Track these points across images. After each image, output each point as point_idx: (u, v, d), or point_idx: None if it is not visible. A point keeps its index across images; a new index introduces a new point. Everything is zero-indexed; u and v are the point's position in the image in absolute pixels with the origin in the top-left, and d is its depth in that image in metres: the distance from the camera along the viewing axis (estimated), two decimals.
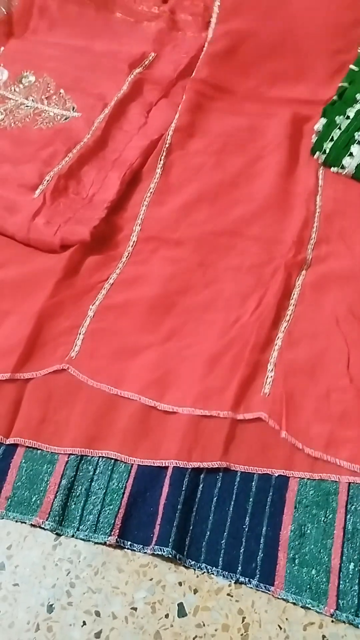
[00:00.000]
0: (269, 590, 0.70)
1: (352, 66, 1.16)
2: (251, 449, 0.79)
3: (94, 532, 0.75)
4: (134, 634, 0.68)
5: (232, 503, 0.76)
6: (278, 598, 0.70)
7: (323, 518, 0.74)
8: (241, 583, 0.71)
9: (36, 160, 1.07)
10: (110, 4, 1.32)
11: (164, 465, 0.78)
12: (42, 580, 0.72)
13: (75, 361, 0.86)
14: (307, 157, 1.12)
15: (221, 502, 0.76)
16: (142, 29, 1.29)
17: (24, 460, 0.80)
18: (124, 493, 0.77)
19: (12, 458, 0.80)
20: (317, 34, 1.19)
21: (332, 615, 0.68)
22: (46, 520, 0.75)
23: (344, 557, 0.72)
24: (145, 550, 0.73)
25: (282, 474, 0.77)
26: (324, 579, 0.70)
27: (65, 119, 1.15)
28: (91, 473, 0.79)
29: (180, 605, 0.70)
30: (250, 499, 0.76)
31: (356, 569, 0.71)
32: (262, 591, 0.71)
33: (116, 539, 0.73)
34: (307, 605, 0.69)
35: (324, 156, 1.09)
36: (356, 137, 1.08)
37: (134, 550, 0.74)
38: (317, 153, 1.10)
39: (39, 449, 0.80)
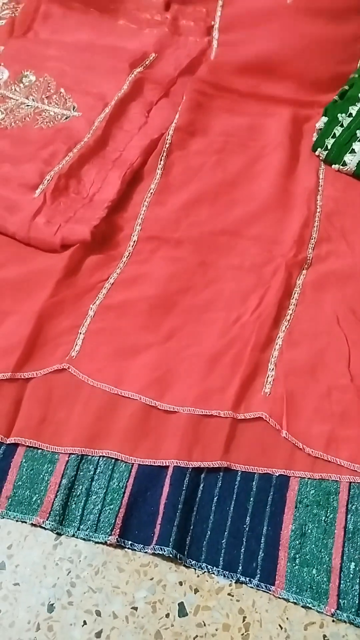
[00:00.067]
0: (270, 590, 0.70)
1: (353, 74, 1.17)
2: (252, 449, 0.79)
3: (95, 532, 0.75)
4: (134, 634, 0.68)
5: (233, 503, 0.76)
6: (279, 598, 0.70)
7: (324, 517, 0.74)
8: (242, 583, 0.71)
9: (36, 159, 1.07)
10: (114, 11, 1.32)
11: (164, 464, 0.78)
12: (42, 579, 0.72)
13: (75, 361, 0.86)
14: (308, 156, 1.12)
15: (222, 502, 0.76)
16: (145, 34, 1.30)
17: (24, 460, 0.80)
18: (124, 492, 0.77)
19: (12, 457, 0.80)
20: (318, 46, 1.20)
21: (332, 615, 0.68)
22: (47, 519, 0.75)
23: (344, 557, 0.72)
24: (145, 550, 0.73)
25: (283, 473, 0.77)
26: (325, 579, 0.70)
27: (66, 118, 1.15)
28: (92, 472, 0.79)
29: (181, 604, 0.70)
30: (251, 499, 0.76)
31: (357, 569, 0.71)
32: (262, 591, 0.71)
33: (117, 539, 0.73)
34: (307, 604, 0.69)
35: (325, 153, 1.09)
36: (358, 134, 1.08)
37: (135, 550, 0.74)
38: (319, 150, 1.10)
39: (40, 449, 0.80)
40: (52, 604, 0.70)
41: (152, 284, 0.94)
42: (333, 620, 0.69)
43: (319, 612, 0.69)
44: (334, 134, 1.09)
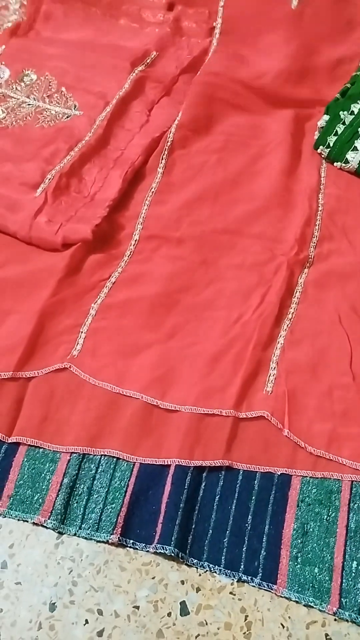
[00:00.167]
0: (272, 589, 0.70)
1: (355, 72, 1.17)
2: (253, 447, 0.79)
3: (96, 531, 0.75)
4: (136, 633, 0.68)
5: (235, 501, 0.76)
6: (281, 596, 0.70)
7: (326, 516, 0.74)
8: (244, 581, 0.71)
9: (38, 158, 1.07)
10: (116, 11, 1.32)
11: (166, 463, 0.78)
12: (44, 578, 0.72)
13: (77, 360, 0.86)
14: (310, 154, 1.12)
15: (223, 501, 0.76)
16: (146, 33, 1.30)
17: (26, 459, 0.80)
18: (126, 491, 0.77)
19: (14, 456, 0.80)
20: (321, 44, 1.22)
21: (334, 614, 0.68)
22: (48, 518, 0.75)
23: (346, 556, 0.71)
24: (147, 549, 0.73)
25: (285, 472, 0.77)
26: (327, 578, 0.70)
27: (67, 117, 1.15)
28: (93, 471, 0.79)
29: (183, 603, 0.70)
30: (253, 498, 0.76)
31: (359, 567, 0.71)
32: (264, 589, 0.70)
33: (118, 538, 0.73)
34: (309, 603, 0.69)
35: (327, 151, 1.09)
36: None
37: (136, 549, 0.74)
38: (321, 148, 1.10)
39: (41, 448, 0.80)
40: (54, 603, 0.70)
41: (154, 283, 0.94)
42: (335, 619, 0.68)
43: (321, 611, 0.69)
44: (336, 131, 1.09)
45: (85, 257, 0.97)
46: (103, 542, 0.74)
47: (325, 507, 0.75)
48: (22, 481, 0.78)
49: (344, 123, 1.10)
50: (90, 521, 0.75)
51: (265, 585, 0.70)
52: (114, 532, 0.74)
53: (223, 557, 0.72)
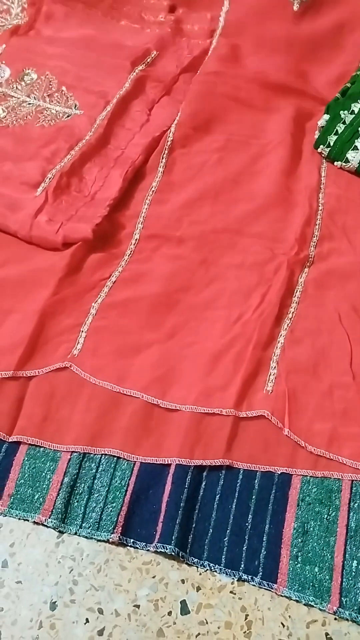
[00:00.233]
0: (272, 588, 0.70)
1: (356, 72, 1.17)
2: (254, 447, 0.79)
3: (97, 530, 0.75)
4: (136, 632, 0.68)
5: (235, 501, 0.76)
6: (281, 595, 0.70)
7: (326, 516, 0.74)
8: (244, 580, 0.71)
9: (38, 157, 1.07)
10: (117, 13, 1.32)
11: (166, 462, 0.78)
12: (44, 577, 0.72)
13: (77, 359, 0.86)
14: (310, 154, 1.12)
15: (224, 500, 0.76)
16: (147, 33, 1.30)
17: (26, 458, 0.80)
18: (126, 491, 0.77)
19: (14, 456, 0.80)
20: (321, 48, 1.22)
21: (335, 613, 0.68)
22: (49, 518, 0.75)
23: (346, 555, 0.72)
24: (148, 548, 0.73)
25: (285, 471, 0.77)
26: (327, 577, 0.70)
27: (68, 116, 1.15)
28: (94, 471, 0.79)
29: (183, 602, 0.70)
30: (253, 497, 0.76)
31: (359, 567, 0.71)
32: (265, 589, 0.71)
33: (119, 537, 0.74)
34: (310, 602, 0.69)
35: (327, 150, 1.09)
36: None
37: (137, 548, 0.74)
38: (321, 147, 1.10)
39: (42, 447, 0.80)
40: (55, 602, 0.70)
41: (154, 282, 0.94)
42: (335, 618, 0.69)
43: (321, 610, 0.69)
44: (337, 131, 1.09)
45: (85, 257, 0.97)
46: (103, 541, 0.74)
47: (326, 507, 0.75)
48: (23, 480, 0.78)
49: (344, 122, 1.10)
50: (91, 520, 0.75)
51: (266, 585, 0.70)
52: (115, 531, 0.74)
53: (223, 556, 0.72)
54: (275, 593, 0.70)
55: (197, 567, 0.72)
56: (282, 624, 0.69)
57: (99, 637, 0.68)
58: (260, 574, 0.71)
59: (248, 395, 0.82)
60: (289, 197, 1.05)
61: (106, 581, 0.72)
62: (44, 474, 0.79)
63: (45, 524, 0.75)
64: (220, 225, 1.01)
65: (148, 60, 1.24)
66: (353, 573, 0.70)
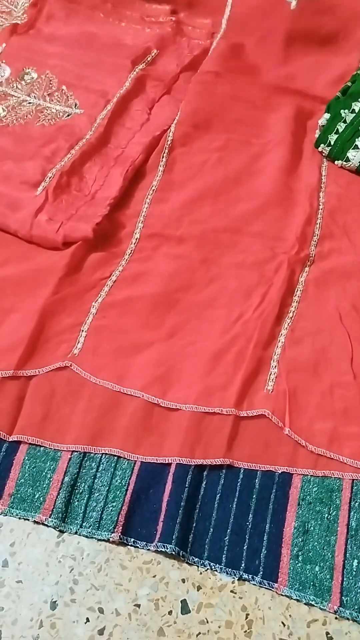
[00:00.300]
0: (273, 587, 0.70)
1: (356, 71, 1.17)
2: (254, 446, 0.79)
3: (97, 529, 0.75)
4: (137, 631, 0.68)
5: (236, 500, 0.76)
6: (281, 595, 0.70)
7: (327, 515, 0.74)
8: (244, 580, 0.71)
9: (38, 157, 1.07)
10: (118, 15, 1.32)
11: (167, 462, 0.78)
12: (45, 577, 0.72)
13: (77, 358, 0.86)
14: (310, 153, 1.11)
15: (224, 499, 0.76)
16: (147, 32, 1.30)
17: (26, 458, 0.80)
18: (127, 490, 0.77)
19: (15, 455, 0.80)
20: (321, 46, 1.23)
21: (335, 612, 0.68)
22: (49, 517, 0.75)
23: (347, 554, 0.71)
24: (148, 547, 0.73)
25: (286, 470, 0.77)
26: (328, 576, 0.70)
27: (68, 115, 1.15)
28: (94, 470, 0.79)
29: (184, 602, 0.70)
30: (254, 496, 0.76)
31: None
32: (265, 588, 0.71)
33: (119, 536, 0.73)
34: (310, 602, 0.69)
35: (328, 149, 1.09)
36: None
37: (137, 547, 0.74)
38: (322, 146, 1.10)
39: (42, 446, 0.80)
40: (55, 602, 0.70)
41: (155, 282, 0.94)
42: (336, 618, 0.69)
43: (321, 609, 0.69)
44: (337, 130, 1.09)
45: (86, 256, 0.97)
46: (104, 540, 0.74)
47: (326, 506, 0.75)
48: (23, 480, 0.78)
49: (345, 121, 1.09)
50: (91, 519, 0.75)
51: (266, 584, 0.70)
52: (115, 530, 0.74)
53: (224, 556, 0.72)
54: (276, 592, 0.70)
55: (198, 567, 0.72)
56: (282, 623, 0.68)
57: (99, 636, 0.68)
58: (261, 573, 0.71)
59: (248, 394, 0.82)
60: (290, 196, 1.05)
61: (107, 580, 0.72)
62: (44, 473, 0.79)
63: (46, 523, 0.75)
64: (220, 224, 1.01)
65: (148, 59, 1.24)
66: (354, 572, 0.70)
